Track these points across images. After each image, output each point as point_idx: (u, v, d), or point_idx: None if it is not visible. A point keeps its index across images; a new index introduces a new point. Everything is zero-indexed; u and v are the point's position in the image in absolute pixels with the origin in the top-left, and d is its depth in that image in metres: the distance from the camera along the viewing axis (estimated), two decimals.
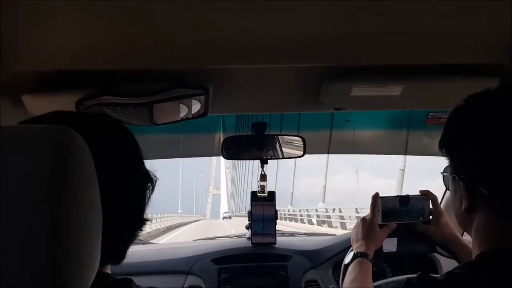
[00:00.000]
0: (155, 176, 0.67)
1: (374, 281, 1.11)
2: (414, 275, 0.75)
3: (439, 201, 1.24)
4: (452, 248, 1.16)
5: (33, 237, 0.43)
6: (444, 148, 0.78)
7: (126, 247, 0.64)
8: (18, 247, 0.42)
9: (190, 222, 41.20)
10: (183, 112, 1.15)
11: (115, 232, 0.54)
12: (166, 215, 31.34)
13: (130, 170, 0.63)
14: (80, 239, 0.46)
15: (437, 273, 1.49)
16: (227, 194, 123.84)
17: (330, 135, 1.79)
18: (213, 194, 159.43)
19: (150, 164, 0.68)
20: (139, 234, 0.65)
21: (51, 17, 0.82)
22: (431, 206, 1.21)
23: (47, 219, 0.43)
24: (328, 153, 1.99)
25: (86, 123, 0.63)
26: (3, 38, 0.86)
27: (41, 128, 0.48)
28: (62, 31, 0.87)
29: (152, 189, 0.66)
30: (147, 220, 0.66)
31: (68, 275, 0.44)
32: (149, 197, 0.66)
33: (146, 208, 0.65)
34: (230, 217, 54.59)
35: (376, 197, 1.21)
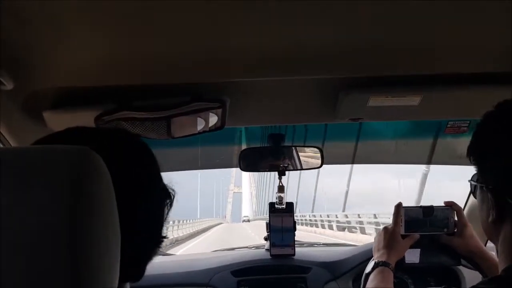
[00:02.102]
0: (173, 191, 0.66)
1: None
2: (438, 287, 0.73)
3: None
4: (477, 261, 1.13)
5: (54, 258, 0.43)
6: (472, 156, 0.77)
7: (145, 264, 0.64)
8: (38, 268, 0.43)
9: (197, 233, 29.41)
10: (200, 125, 1.16)
11: (134, 249, 0.54)
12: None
13: (148, 187, 0.62)
14: (101, 261, 0.46)
15: (461, 286, 1.46)
16: (250, 193, 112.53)
17: (348, 145, 1.78)
18: (234, 192, 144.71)
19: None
20: (158, 251, 0.64)
21: (70, 34, 0.84)
22: (455, 218, 1.19)
23: (67, 241, 0.43)
24: (347, 163, 1.98)
25: (103, 139, 0.63)
26: (23, 58, 0.89)
27: (60, 148, 0.49)
28: (81, 48, 0.89)
29: (171, 205, 0.65)
30: (164, 237, 0.65)
31: None
32: (168, 213, 0.65)
33: (164, 224, 0.65)
34: (249, 221, 54.73)
35: (399, 206, 1.19)
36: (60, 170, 0.45)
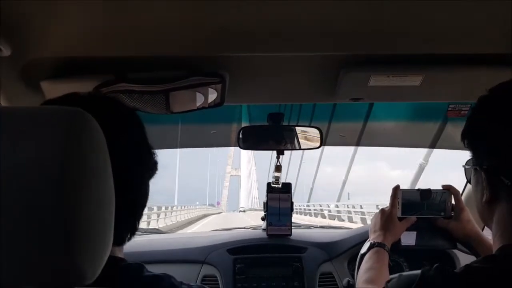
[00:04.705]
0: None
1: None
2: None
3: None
4: (474, 245, 1.14)
5: (47, 220, 0.43)
6: (467, 139, 0.76)
7: (135, 228, 0.67)
8: (31, 229, 0.43)
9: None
10: (199, 100, 1.15)
11: (126, 210, 0.55)
12: None
13: (135, 151, 0.66)
14: (94, 223, 0.46)
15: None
16: (250, 177, 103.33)
17: (347, 126, 1.77)
18: (231, 176, 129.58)
19: None
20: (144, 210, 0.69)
21: (68, 3, 0.83)
22: (453, 201, 1.19)
23: (60, 202, 0.44)
24: (347, 145, 1.97)
25: (94, 105, 0.64)
26: (21, 25, 0.88)
27: (55, 110, 0.49)
28: (79, 18, 0.88)
29: (156, 167, 0.70)
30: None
31: (81, 258, 0.45)
32: (153, 174, 0.70)
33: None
34: (244, 211, 55.22)
35: (396, 189, 1.19)
36: (55, 132, 0.45)
